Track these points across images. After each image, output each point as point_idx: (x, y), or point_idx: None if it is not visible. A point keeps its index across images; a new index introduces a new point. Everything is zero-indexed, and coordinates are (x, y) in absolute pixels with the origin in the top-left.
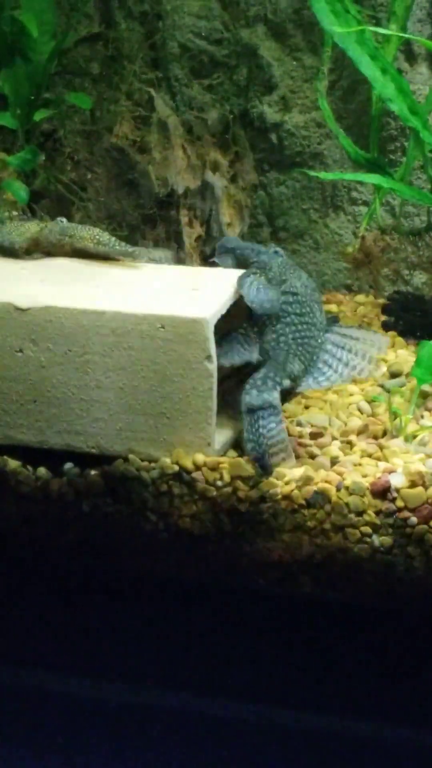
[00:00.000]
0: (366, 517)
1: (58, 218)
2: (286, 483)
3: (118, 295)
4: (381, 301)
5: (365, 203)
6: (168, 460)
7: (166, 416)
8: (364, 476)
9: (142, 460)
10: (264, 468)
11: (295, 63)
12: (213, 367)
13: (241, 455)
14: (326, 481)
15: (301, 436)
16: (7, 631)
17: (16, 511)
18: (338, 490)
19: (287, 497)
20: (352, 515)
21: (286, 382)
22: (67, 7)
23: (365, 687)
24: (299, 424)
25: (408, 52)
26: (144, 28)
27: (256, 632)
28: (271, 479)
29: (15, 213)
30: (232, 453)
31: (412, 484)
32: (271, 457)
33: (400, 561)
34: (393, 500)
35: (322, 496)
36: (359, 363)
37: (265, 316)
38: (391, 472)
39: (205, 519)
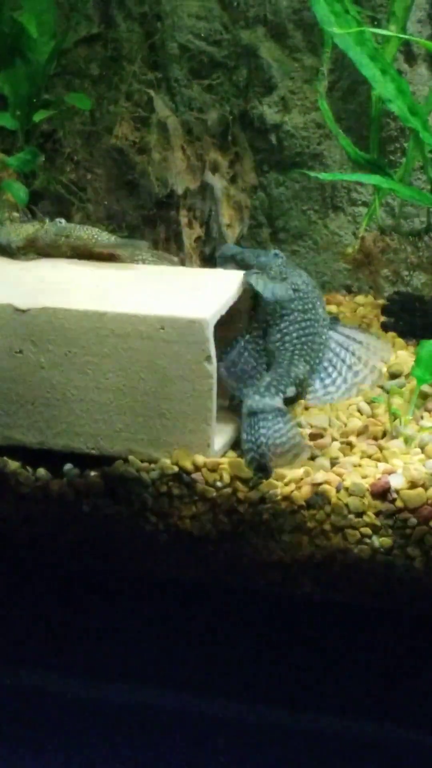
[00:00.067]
0: (366, 518)
1: (57, 219)
2: (286, 484)
3: (118, 296)
4: (381, 301)
5: (365, 204)
6: (168, 461)
7: (166, 417)
8: (364, 477)
9: (142, 461)
10: (262, 470)
11: (294, 64)
12: (212, 368)
13: (240, 456)
14: (326, 482)
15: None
16: (7, 632)
17: (16, 511)
18: (338, 491)
19: (287, 498)
20: (351, 516)
21: (291, 390)
22: (67, 8)
23: (365, 688)
24: (299, 425)
25: (408, 52)
26: (143, 29)
27: (256, 633)
28: (271, 480)
29: (15, 214)
30: (231, 454)
31: (412, 485)
32: (278, 458)
33: (400, 562)
34: (393, 501)
35: (321, 497)
36: (362, 369)
37: (269, 315)
38: (390, 473)
39: (204, 520)
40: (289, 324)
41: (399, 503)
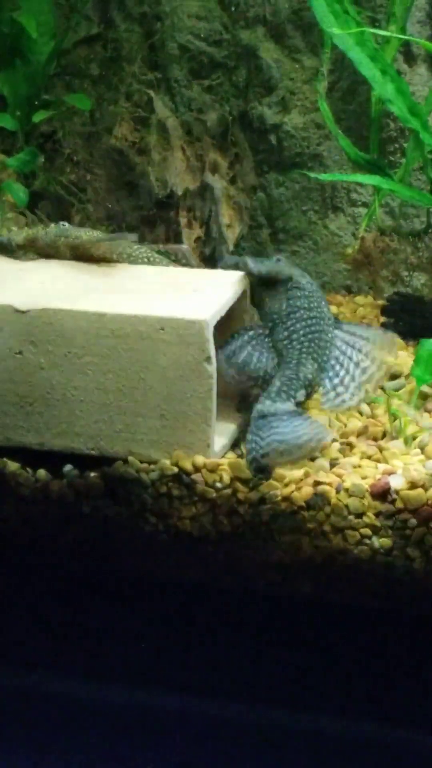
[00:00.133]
0: (366, 519)
1: (60, 222)
2: (286, 485)
3: (118, 297)
4: (380, 302)
5: (365, 204)
6: (167, 462)
7: (166, 418)
8: (364, 478)
9: (142, 462)
10: (261, 471)
11: (294, 64)
12: (212, 368)
13: (240, 457)
14: (326, 483)
15: None
16: (7, 632)
17: (16, 512)
18: (338, 491)
19: (287, 499)
20: (351, 517)
21: (301, 393)
22: (67, 9)
23: (365, 688)
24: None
25: (407, 53)
26: (143, 29)
27: (256, 634)
28: (271, 481)
29: (14, 215)
30: (231, 455)
31: (412, 486)
32: (296, 454)
33: (400, 563)
34: (393, 502)
35: (321, 497)
36: (369, 366)
37: (275, 314)
38: (390, 473)
39: (204, 521)
40: (296, 321)
41: (399, 504)
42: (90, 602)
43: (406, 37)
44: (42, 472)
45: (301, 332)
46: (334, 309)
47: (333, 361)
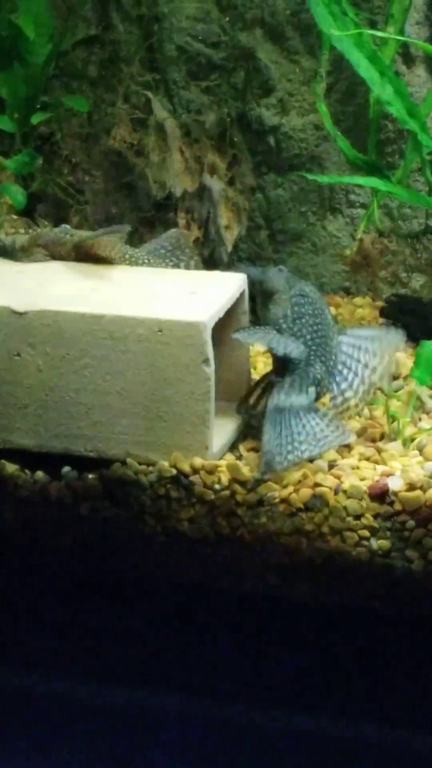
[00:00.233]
0: (364, 521)
1: (63, 225)
2: (284, 486)
3: (116, 299)
4: (379, 303)
5: (363, 206)
6: (166, 464)
7: (164, 420)
8: (362, 479)
9: (140, 464)
10: (269, 465)
11: (292, 66)
12: (210, 370)
13: (239, 458)
14: (325, 485)
15: None
16: (7, 633)
17: (14, 514)
18: (336, 493)
19: (285, 501)
20: (350, 519)
21: (312, 391)
22: (65, 10)
23: (364, 689)
24: None
25: (406, 54)
26: (141, 31)
27: (254, 635)
28: (269, 483)
29: (14, 216)
30: (229, 456)
31: (410, 487)
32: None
33: (399, 564)
34: (391, 503)
35: (320, 499)
36: (378, 364)
37: (281, 320)
38: (389, 475)
39: (202, 522)
40: (302, 326)
41: (397, 505)
42: (89, 603)
43: (404, 39)
44: (40, 474)
45: (308, 336)
46: (332, 310)
47: (340, 366)
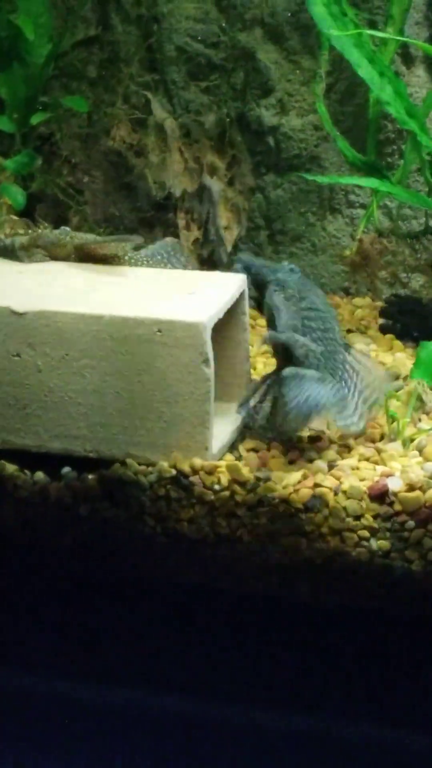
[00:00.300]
0: (364, 521)
1: (63, 227)
2: (284, 487)
3: (116, 299)
4: (379, 303)
5: (363, 206)
6: (165, 464)
7: (164, 420)
8: (362, 480)
9: (140, 464)
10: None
11: (292, 66)
12: (210, 371)
13: (238, 459)
14: (324, 485)
15: (299, 440)
16: (6, 633)
17: (14, 515)
18: (336, 494)
19: (285, 501)
20: (349, 519)
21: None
22: (64, 11)
23: (364, 689)
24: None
25: (405, 55)
26: (140, 31)
27: (254, 635)
28: (269, 483)
29: (14, 217)
30: (229, 457)
31: (410, 488)
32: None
33: (398, 564)
34: (391, 504)
35: (319, 500)
36: (369, 395)
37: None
38: (388, 475)
39: (202, 523)
40: (313, 341)
41: (397, 506)
42: (89, 604)
43: (404, 39)
44: (40, 475)
45: (318, 351)
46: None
47: (342, 383)
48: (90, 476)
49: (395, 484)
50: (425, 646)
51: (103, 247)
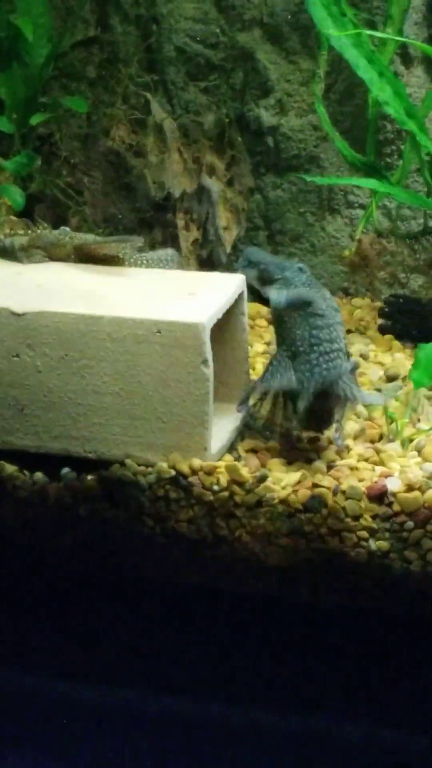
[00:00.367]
0: (363, 522)
1: (62, 227)
2: (283, 487)
3: (115, 300)
4: (378, 304)
5: (362, 206)
6: (165, 465)
7: (163, 421)
8: (361, 480)
9: (139, 465)
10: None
11: (291, 66)
12: (209, 371)
13: (237, 459)
14: (323, 486)
15: (298, 440)
16: (5, 634)
17: (13, 515)
18: (335, 494)
19: (284, 501)
20: (348, 519)
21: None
22: (63, 11)
23: (363, 690)
24: (296, 429)
25: (404, 55)
26: (140, 32)
27: (254, 636)
28: (267, 484)
29: (14, 218)
30: (228, 457)
31: (409, 488)
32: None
33: (397, 565)
34: (390, 504)
35: (318, 500)
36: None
37: (299, 341)
38: (387, 476)
39: (201, 523)
40: (319, 356)
41: (396, 507)
42: (88, 604)
43: (403, 39)
44: (39, 475)
45: (323, 366)
46: None
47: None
48: (89, 477)
49: (394, 485)
50: (424, 646)
51: (102, 248)
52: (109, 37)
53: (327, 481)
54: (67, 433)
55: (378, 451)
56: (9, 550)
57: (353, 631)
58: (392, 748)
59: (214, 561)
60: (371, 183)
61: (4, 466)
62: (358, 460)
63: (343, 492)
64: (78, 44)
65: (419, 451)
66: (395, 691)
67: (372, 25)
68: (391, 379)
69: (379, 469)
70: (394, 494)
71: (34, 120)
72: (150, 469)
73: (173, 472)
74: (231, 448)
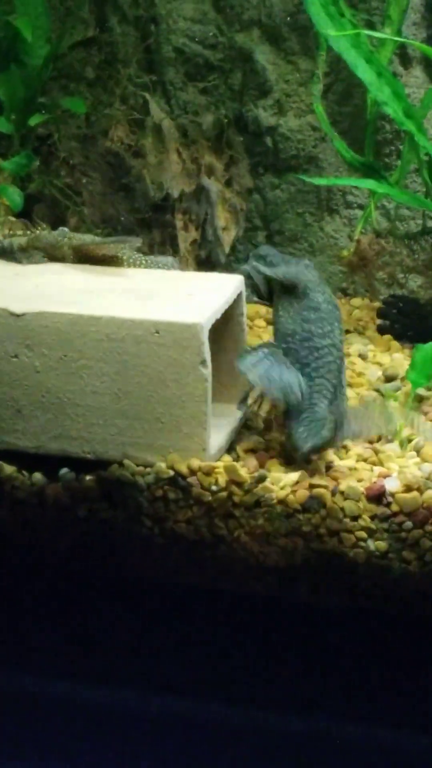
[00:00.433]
0: (361, 522)
1: (61, 228)
2: (282, 488)
3: (113, 300)
4: (376, 304)
5: (360, 207)
6: (163, 465)
7: (161, 421)
8: (360, 481)
9: (138, 465)
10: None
11: (290, 67)
12: (207, 372)
13: (236, 459)
14: (322, 486)
15: None
16: (5, 635)
17: (11, 516)
18: (333, 494)
19: (282, 502)
20: (347, 520)
21: (327, 429)
22: (62, 12)
23: (362, 690)
24: None
25: (403, 55)
26: (138, 32)
27: (253, 636)
28: (266, 484)
29: (12, 218)
30: (227, 458)
31: (407, 489)
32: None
33: (396, 565)
34: (388, 505)
35: (317, 500)
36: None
37: (289, 337)
38: (386, 476)
39: (200, 524)
40: (309, 353)
41: (394, 507)
42: (87, 604)
43: (401, 40)
44: (38, 476)
45: (313, 365)
46: None
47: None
48: (88, 477)
49: (393, 485)
50: (424, 646)
51: (101, 248)
52: (107, 38)
53: (325, 482)
54: (65, 434)
55: (376, 452)
56: (8, 550)
57: (352, 632)
58: (392, 748)
59: (213, 561)
60: (370, 183)
61: (2, 466)
62: (357, 461)
63: (342, 492)
64: (77, 45)
65: (418, 451)
66: (395, 691)
67: (370, 26)
68: (389, 379)
69: (377, 469)
70: (392, 494)
71: (33, 121)
72: (148, 470)
73: (172, 473)
74: (230, 448)
